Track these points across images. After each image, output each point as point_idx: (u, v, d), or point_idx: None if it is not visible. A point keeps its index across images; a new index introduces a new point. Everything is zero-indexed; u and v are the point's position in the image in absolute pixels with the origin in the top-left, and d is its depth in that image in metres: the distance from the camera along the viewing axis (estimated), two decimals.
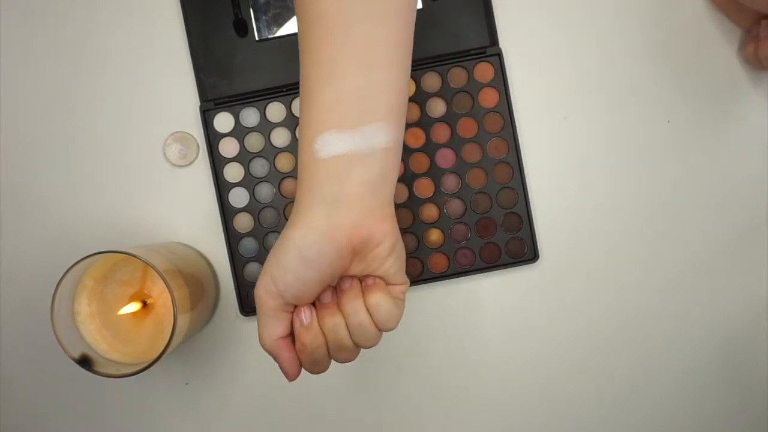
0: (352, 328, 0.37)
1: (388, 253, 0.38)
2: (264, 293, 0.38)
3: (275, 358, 0.39)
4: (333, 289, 0.39)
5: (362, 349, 0.39)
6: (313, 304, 0.39)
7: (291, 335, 0.39)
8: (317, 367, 0.39)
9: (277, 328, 0.38)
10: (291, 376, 0.39)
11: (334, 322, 0.38)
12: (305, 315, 0.38)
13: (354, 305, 0.37)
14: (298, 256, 0.37)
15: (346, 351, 0.38)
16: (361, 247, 0.38)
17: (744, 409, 0.52)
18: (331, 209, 0.37)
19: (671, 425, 0.53)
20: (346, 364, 0.50)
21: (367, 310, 0.38)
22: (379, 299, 0.37)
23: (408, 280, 0.40)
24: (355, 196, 0.37)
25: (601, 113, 0.51)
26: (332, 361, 0.40)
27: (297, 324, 0.38)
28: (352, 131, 0.36)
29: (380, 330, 0.38)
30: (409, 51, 0.38)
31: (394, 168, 0.38)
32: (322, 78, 0.37)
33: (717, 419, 0.53)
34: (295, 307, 0.38)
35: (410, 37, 0.38)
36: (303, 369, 0.39)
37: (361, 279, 0.39)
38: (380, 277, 0.39)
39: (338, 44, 0.36)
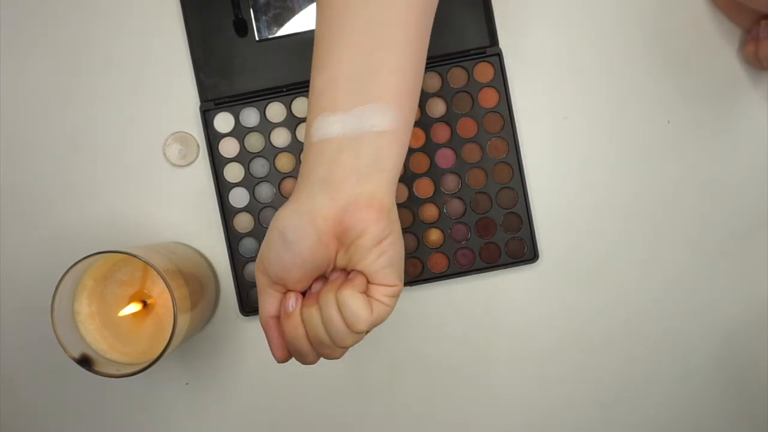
0: (324, 321, 0.36)
1: (372, 246, 0.36)
2: (256, 269, 0.38)
3: (266, 336, 0.38)
4: (325, 280, 0.38)
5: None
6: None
7: None
8: (301, 357, 0.38)
9: (270, 305, 0.38)
10: (277, 357, 0.38)
11: (310, 313, 0.36)
12: (290, 302, 0.37)
13: (327, 298, 0.36)
14: (278, 236, 0.36)
15: (325, 346, 0.37)
16: (343, 236, 0.36)
17: (744, 409, 0.52)
18: (317, 192, 0.36)
19: (671, 424, 0.53)
20: (345, 362, 0.50)
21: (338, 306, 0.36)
22: (346, 296, 0.35)
23: (400, 284, 0.37)
24: (342, 180, 0.35)
25: (601, 113, 0.51)
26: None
27: (282, 310, 0.37)
28: (344, 113, 0.35)
29: (350, 330, 0.36)
30: (420, 33, 0.37)
31: (394, 154, 0.36)
32: (321, 65, 0.36)
33: (717, 419, 0.53)
34: (287, 291, 0.38)
35: (419, 19, 0.37)
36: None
37: (349, 273, 0.37)
38: (362, 273, 0.36)
39: (335, 30, 0.36)
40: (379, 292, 0.36)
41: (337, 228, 0.36)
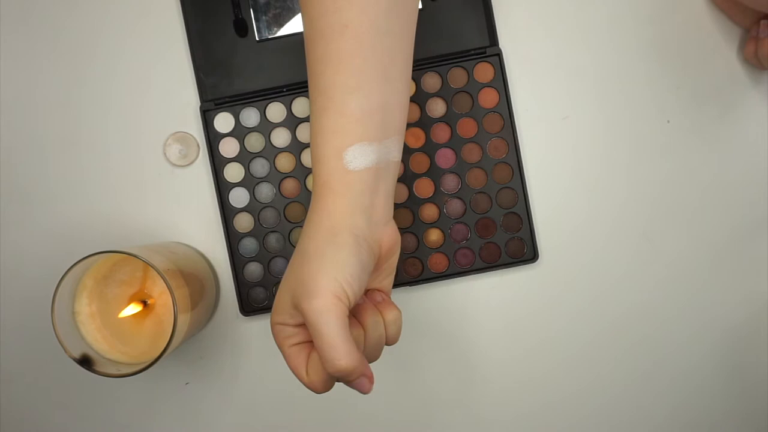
0: (372, 341, 0.37)
1: (396, 263, 0.40)
2: (335, 300, 0.34)
3: (357, 376, 0.35)
4: None
5: None
6: None
7: None
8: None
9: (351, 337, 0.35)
10: (371, 385, 0.36)
11: (354, 335, 0.37)
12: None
13: (375, 319, 0.37)
14: (359, 260, 0.36)
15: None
16: (386, 256, 0.39)
17: (744, 408, 0.52)
18: (369, 219, 0.37)
19: (671, 423, 0.53)
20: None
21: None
22: (395, 316, 0.38)
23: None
24: (384, 207, 0.38)
25: (601, 113, 0.51)
26: None
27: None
28: (378, 144, 0.37)
29: (387, 345, 0.39)
30: (411, 68, 0.39)
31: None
32: (350, 88, 0.36)
33: (717, 418, 0.53)
34: None
35: (412, 55, 0.39)
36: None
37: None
38: (383, 291, 0.40)
39: (367, 56, 0.36)
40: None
41: (383, 249, 0.38)
